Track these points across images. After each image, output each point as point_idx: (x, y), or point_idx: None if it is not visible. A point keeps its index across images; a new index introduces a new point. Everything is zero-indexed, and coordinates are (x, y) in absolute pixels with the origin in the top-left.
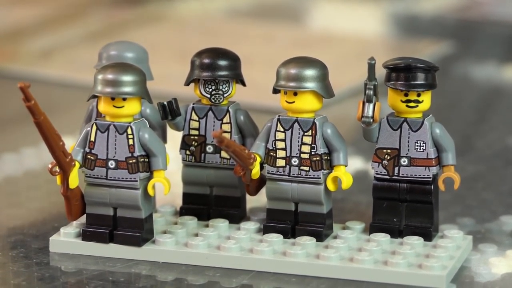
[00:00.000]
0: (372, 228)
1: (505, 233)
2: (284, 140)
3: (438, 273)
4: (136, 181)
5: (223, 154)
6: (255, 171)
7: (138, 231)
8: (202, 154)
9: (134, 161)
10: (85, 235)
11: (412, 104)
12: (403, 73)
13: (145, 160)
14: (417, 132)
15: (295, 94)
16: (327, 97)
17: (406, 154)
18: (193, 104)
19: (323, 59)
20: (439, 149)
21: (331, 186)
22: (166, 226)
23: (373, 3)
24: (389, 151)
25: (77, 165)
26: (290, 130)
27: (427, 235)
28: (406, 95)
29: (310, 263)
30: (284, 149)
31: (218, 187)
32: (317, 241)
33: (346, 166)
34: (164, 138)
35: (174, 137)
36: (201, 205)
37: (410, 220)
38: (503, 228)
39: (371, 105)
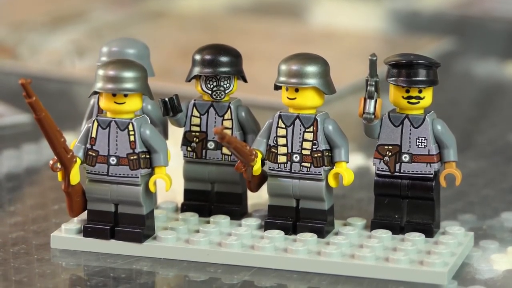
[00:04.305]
0: (374, 225)
1: (506, 230)
2: (285, 137)
3: (440, 269)
4: (138, 177)
5: (224, 150)
6: (257, 168)
7: (140, 227)
8: (203, 151)
9: (135, 157)
10: (86, 232)
11: (413, 100)
12: (405, 70)
13: (146, 156)
14: (419, 129)
15: (297, 90)
16: (328, 93)
17: (408, 151)
18: (194, 100)
19: (324, 55)
20: (441, 145)
21: (332, 183)
22: (167, 223)
23: (374, 0)
24: (390, 147)
25: (78, 161)
26: (292, 126)
27: (429, 231)
28: (407, 91)
29: (311, 259)
30: (286, 145)
31: (219, 183)
32: (318, 237)
33: (347, 162)
34: (165, 135)
35: (175, 133)
36: (202, 201)
37: (411, 216)
38: (504, 225)
39: (373, 102)
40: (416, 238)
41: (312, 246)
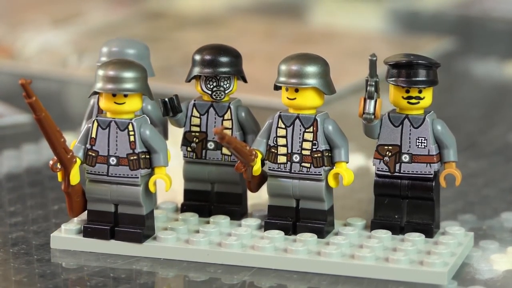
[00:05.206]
0: (373, 225)
1: (506, 230)
2: (285, 137)
3: (440, 269)
4: (137, 177)
5: (224, 150)
6: (256, 168)
7: (139, 227)
8: (203, 151)
9: (135, 157)
10: (86, 232)
11: (413, 100)
12: (405, 70)
13: (146, 156)
14: (419, 129)
15: (297, 90)
16: (328, 93)
17: (408, 151)
18: (194, 100)
19: (325, 55)
20: (441, 145)
21: (332, 183)
22: (167, 223)
23: (374, 0)
24: (390, 147)
25: (78, 161)
26: (292, 126)
27: (428, 231)
28: (407, 91)
29: (311, 259)
30: (286, 145)
31: (219, 183)
32: (318, 237)
33: (347, 162)
34: (165, 135)
35: (175, 133)
36: (202, 201)
37: (411, 216)
38: (504, 225)
39: (373, 102)
40: (416, 238)
41: (312, 246)
